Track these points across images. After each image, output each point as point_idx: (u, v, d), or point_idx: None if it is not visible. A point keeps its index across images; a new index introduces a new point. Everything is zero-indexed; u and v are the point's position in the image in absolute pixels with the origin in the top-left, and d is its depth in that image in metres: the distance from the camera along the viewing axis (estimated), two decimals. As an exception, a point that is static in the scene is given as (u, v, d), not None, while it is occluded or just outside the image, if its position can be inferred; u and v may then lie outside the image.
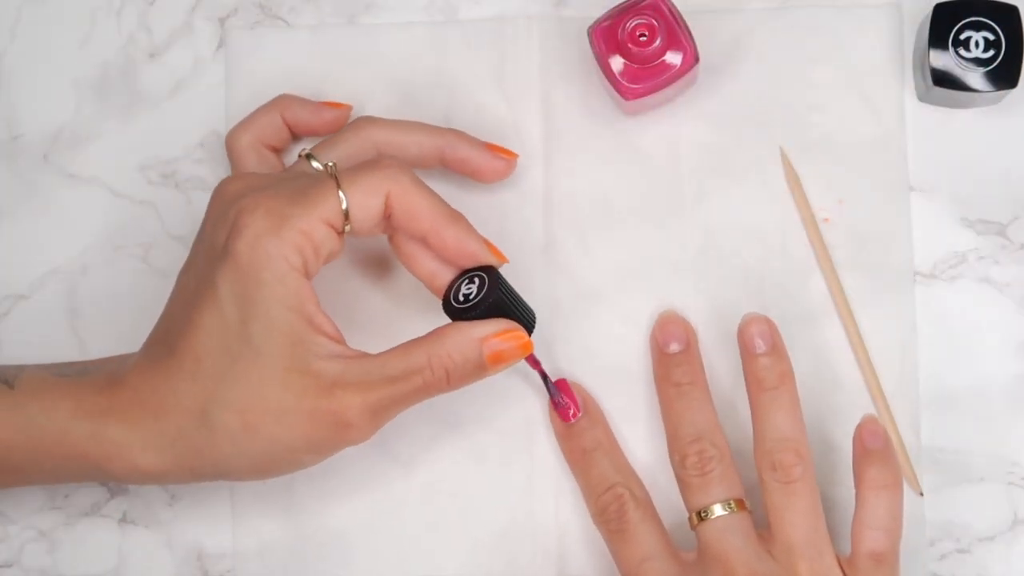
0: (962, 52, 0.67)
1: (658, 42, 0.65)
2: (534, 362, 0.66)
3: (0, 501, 0.71)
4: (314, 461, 0.63)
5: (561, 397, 0.68)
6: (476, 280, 0.64)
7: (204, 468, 0.62)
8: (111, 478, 0.63)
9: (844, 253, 0.69)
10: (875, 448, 0.64)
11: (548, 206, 0.71)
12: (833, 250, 0.70)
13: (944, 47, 0.67)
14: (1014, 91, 0.67)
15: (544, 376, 0.67)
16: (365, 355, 0.62)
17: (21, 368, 0.64)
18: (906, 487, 0.68)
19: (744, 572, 0.62)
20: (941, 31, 0.67)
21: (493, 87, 0.71)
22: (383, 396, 0.61)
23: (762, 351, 0.65)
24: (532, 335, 0.64)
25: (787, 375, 0.65)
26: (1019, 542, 0.68)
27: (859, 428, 0.64)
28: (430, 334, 0.62)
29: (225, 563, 0.70)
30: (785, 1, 0.71)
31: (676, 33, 0.66)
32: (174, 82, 0.72)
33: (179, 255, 0.71)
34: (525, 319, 0.64)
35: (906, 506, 0.68)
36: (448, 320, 0.63)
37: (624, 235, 0.70)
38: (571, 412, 0.68)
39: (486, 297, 0.63)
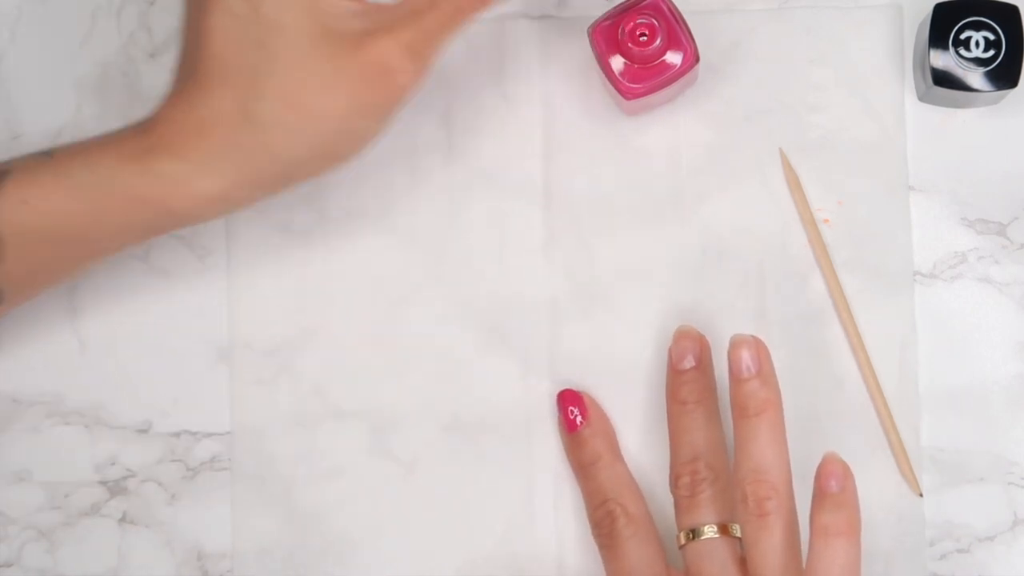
0: (962, 52, 0.67)
1: (658, 42, 0.65)
2: None
3: (0, 501, 0.71)
4: (375, 127, 0.61)
5: (567, 409, 0.68)
6: None
7: (265, 171, 0.60)
8: (179, 218, 0.61)
9: (844, 253, 0.70)
10: (831, 491, 0.61)
11: (548, 206, 0.71)
12: (833, 250, 0.70)
13: (944, 47, 0.67)
14: (1014, 91, 0.67)
15: None
16: (384, 3, 0.60)
17: (57, 144, 0.62)
18: (906, 487, 0.68)
19: None
20: (941, 31, 0.67)
21: (493, 87, 0.71)
22: (416, 31, 0.59)
23: (749, 375, 0.63)
24: None
25: (772, 402, 0.63)
26: (1019, 542, 0.68)
27: (819, 467, 0.62)
28: None
29: (225, 563, 0.70)
30: (785, 1, 0.71)
31: (676, 33, 0.66)
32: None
33: (179, 255, 0.71)
34: None
35: (906, 506, 0.68)
36: None
37: (624, 235, 0.70)
38: (575, 422, 0.68)
39: None
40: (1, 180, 0.60)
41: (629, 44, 0.65)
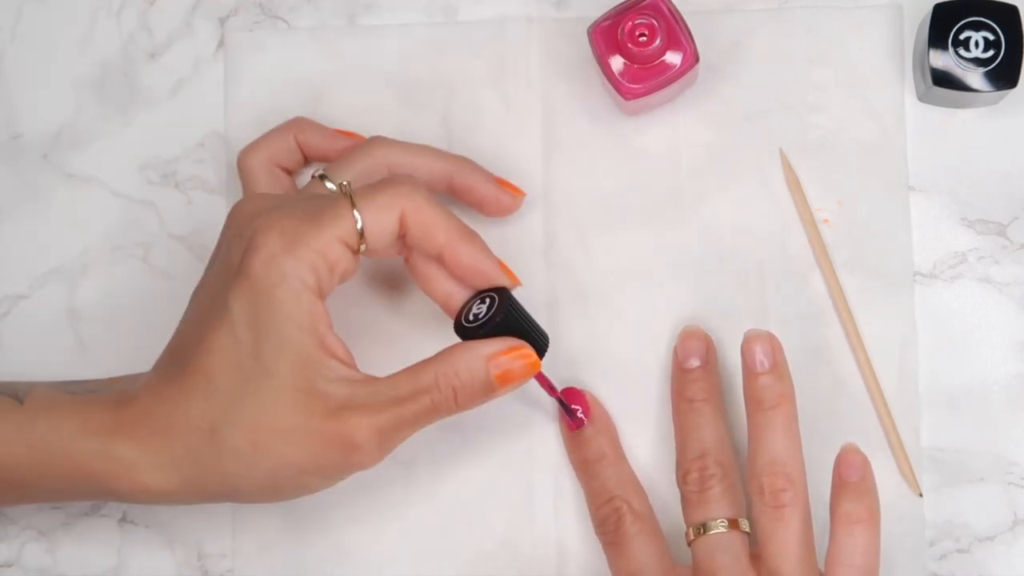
0: (962, 52, 0.67)
1: (658, 42, 0.65)
2: (546, 384, 0.66)
3: (0, 501, 0.71)
4: (322, 485, 0.62)
5: (572, 411, 0.68)
6: (487, 300, 0.63)
7: (211, 488, 0.61)
8: (116, 497, 0.62)
9: (844, 253, 0.69)
10: (851, 480, 0.63)
11: (548, 206, 0.71)
12: (833, 250, 0.70)
13: (944, 47, 0.67)
14: (1014, 91, 0.67)
15: (558, 398, 0.68)
16: (374, 379, 0.61)
17: (32, 385, 0.64)
18: (906, 487, 0.68)
19: None
20: (941, 31, 0.67)
21: (493, 87, 0.71)
22: (391, 418, 0.60)
23: (763, 370, 0.64)
24: (544, 358, 0.63)
25: (786, 396, 0.64)
26: (1019, 542, 0.68)
27: (838, 457, 0.64)
28: (438, 354, 0.62)
29: (225, 563, 0.70)
30: (785, 1, 0.71)
31: (676, 33, 0.66)
32: (174, 82, 0.72)
33: (179, 255, 0.71)
34: (536, 341, 0.63)
35: (906, 506, 0.68)
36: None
37: (624, 235, 0.70)
38: (579, 420, 0.68)
39: (494, 316, 0.62)
40: None
41: (629, 44, 0.65)
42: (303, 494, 0.62)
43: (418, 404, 0.61)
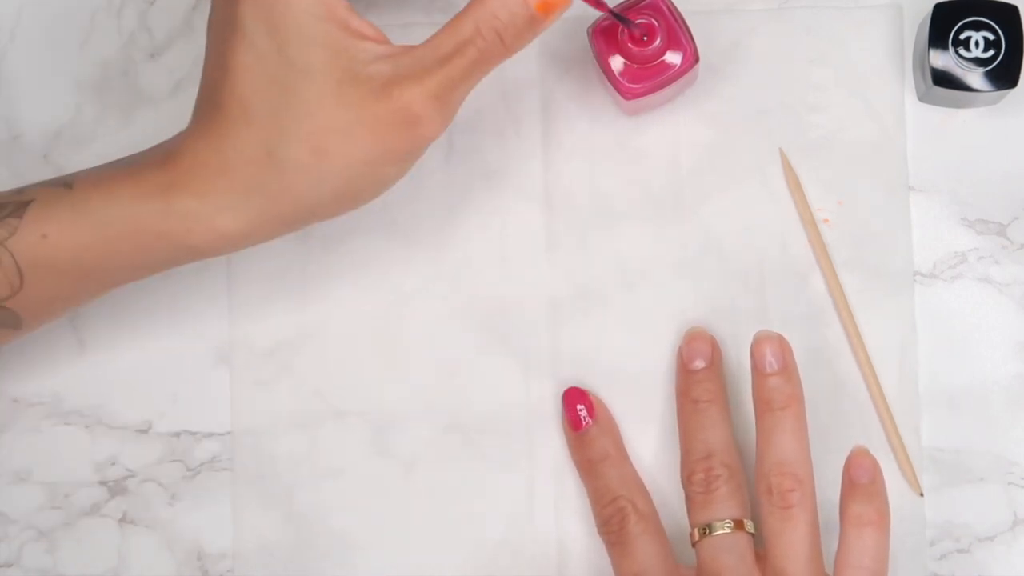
0: (962, 52, 0.67)
1: (658, 42, 0.65)
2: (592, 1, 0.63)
3: (0, 501, 0.71)
4: (398, 173, 0.60)
5: (576, 409, 0.68)
6: None
7: (287, 212, 0.59)
8: (199, 252, 0.60)
9: (844, 253, 0.69)
10: (861, 482, 0.63)
11: (548, 206, 0.71)
12: (833, 250, 0.70)
13: (944, 47, 0.67)
14: (1014, 91, 0.67)
15: (610, 11, 0.64)
16: (414, 47, 0.59)
17: (76, 172, 0.62)
18: (906, 487, 0.68)
19: None
20: (941, 31, 0.67)
21: (493, 87, 0.71)
22: (442, 80, 0.58)
23: (772, 371, 0.64)
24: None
25: (795, 397, 0.64)
26: (1019, 542, 0.68)
27: (848, 459, 0.63)
28: (472, 2, 0.59)
29: (225, 563, 0.70)
30: (785, 1, 0.71)
31: (676, 33, 0.66)
32: (174, 82, 0.72)
33: (179, 255, 0.71)
34: None
35: (906, 506, 0.68)
36: None
37: (624, 235, 0.70)
38: (583, 420, 0.68)
39: None
40: (22, 211, 0.60)
41: (629, 44, 0.65)
42: (381, 189, 0.61)
43: (465, 57, 0.58)
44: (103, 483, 0.71)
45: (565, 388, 0.69)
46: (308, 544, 0.70)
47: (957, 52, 0.67)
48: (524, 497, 0.70)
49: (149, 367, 0.71)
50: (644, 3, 0.66)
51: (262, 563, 0.70)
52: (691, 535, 0.65)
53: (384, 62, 0.58)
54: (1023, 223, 0.69)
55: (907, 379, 0.69)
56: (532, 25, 0.59)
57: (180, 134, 0.61)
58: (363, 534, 0.70)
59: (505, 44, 0.59)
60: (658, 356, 0.70)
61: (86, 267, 0.60)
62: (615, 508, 0.66)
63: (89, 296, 0.63)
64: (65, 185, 0.60)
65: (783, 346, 0.65)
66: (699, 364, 0.67)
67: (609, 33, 0.66)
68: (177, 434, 0.71)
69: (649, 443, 0.69)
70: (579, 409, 0.68)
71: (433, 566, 0.70)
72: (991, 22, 0.67)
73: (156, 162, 0.60)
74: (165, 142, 0.61)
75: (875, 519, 0.62)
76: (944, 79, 0.67)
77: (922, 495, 0.68)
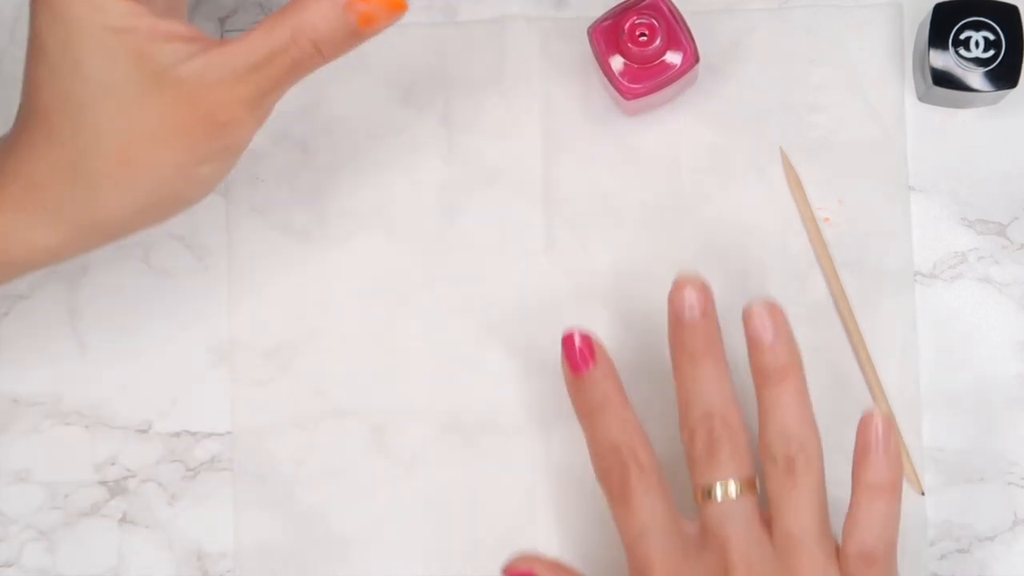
0: (962, 52, 0.67)
1: (658, 42, 0.65)
2: None
3: (0, 501, 0.71)
4: (217, 170, 0.59)
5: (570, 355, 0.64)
6: None
7: (104, 223, 0.58)
8: (19, 268, 0.59)
9: (844, 253, 0.70)
10: (873, 446, 0.62)
11: (548, 206, 0.71)
12: (833, 250, 0.70)
13: (944, 47, 0.67)
14: (1014, 91, 0.67)
15: None
16: (226, 44, 0.56)
17: None
18: (907, 487, 0.68)
19: (740, 557, 0.61)
20: (941, 31, 0.67)
21: (493, 87, 0.71)
22: (252, 87, 0.56)
23: (768, 343, 0.62)
24: None
25: (793, 366, 0.62)
26: (1019, 542, 0.68)
27: (860, 422, 0.62)
28: (293, 3, 0.57)
29: (225, 563, 0.70)
30: (785, 1, 0.71)
31: (676, 33, 0.66)
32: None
33: (179, 255, 0.71)
34: None
35: (906, 506, 0.68)
36: None
37: (624, 235, 0.70)
38: (584, 363, 0.64)
39: None
40: None
41: (629, 44, 0.65)
42: (205, 188, 0.59)
43: (278, 66, 0.56)
44: (103, 483, 0.71)
45: (567, 332, 0.65)
46: (308, 544, 0.70)
47: (957, 52, 0.67)
48: (524, 497, 0.70)
49: (149, 367, 0.71)
50: (644, 3, 0.66)
51: (262, 563, 0.70)
52: (695, 493, 0.63)
53: (194, 61, 0.56)
54: (1023, 223, 0.69)
55: (907, 379, 0.69)
56: (351, 38, 0.57)
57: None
58: (363, 534, 0.70)
59: (322, 54, 0.57)
60: (658, 356, 0.70)
61: None
62: (615, 460, 0.63)
63: None
64: None
65: (775, 314, 0.62)
66: (691, 313, 0.63)
67: (609, 33, 0.66)
68: (177, 434, 0.71)
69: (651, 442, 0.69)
70: (580, 352, 0.64)
71: (433, 566, 0.70)
72: (991, 22, 0.67)
73: None
74: None
75: (887, 485, 0.61)
76: (944, 79, 0.67)
77: (923, 494, 0.69)
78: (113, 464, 0.71)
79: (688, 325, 0.63)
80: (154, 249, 0.71)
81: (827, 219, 0.70)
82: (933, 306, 0.69)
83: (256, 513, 0.70)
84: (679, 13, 0.66)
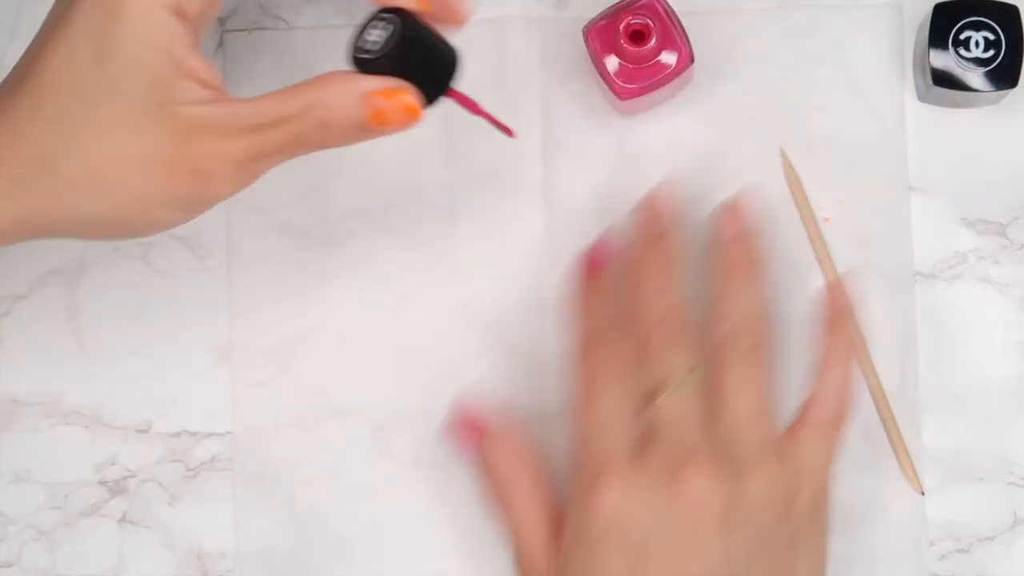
0: (962, 52, 0.67)
1: (653, 42, 0.65)
2: (468, 103, 0.60)
3: (0, 501, 0.71)
4: (171, 219, 0.57)
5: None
6: (384, 24, 0.56)
7: (51, 220, 0.55)
8: None
9: (844, 253, 0.69)
10: (832, 312, 0.64)
11: (548, 206, 0.71)
12: (833, 250, 0.70)
13: (944, 47, 0.67)
14: (1014, 91, 0.67)
15: (484, 115, 0.61)
16: (238, 100, 0.55)
17: None
18: (907, 486, 0.68)
19: (690, 440, 0.60)
20: (941, 31, 0.67)
21: (493, 87, 0.71)
22: (247, 146, 0.55)
23: (730, 237, 0.65)
24: (452, 81, 0.57)
25: (754, 262, 0.64)
26: (1019, 542, 0.68)
27: (818, 295, 0.64)
28: (314, 79, 0.56)
29: (225, 563, 0.70)
30: (784, 1, 0.71)
31: (671, 33, 0.66)
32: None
33: (179, 255, 0.71)
34: (437, 70, 0.57)
35: (906, 506, 0.68)
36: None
37: (624, 235, 0.70)
38: (599, 265, 0.66)
39: (387, 45, 0.55)
40: None
41: (624, 44, 0.65)
42: (156, 230, 0.57)
43: (280, 133, 0.55)
44: (103, 483, 0.71)
45: (590, 246, 0.66)
46: (308, 544, 0.70)
47: (957, 52, 0.67)
48: (524, 497, 0.70)
49: (149, 367, 0.71)
50: (639, 3, 0.66)
51: (262, 563, 0.70)
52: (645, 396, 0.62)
53: (202, 107, 0.55)
54: (1023, 223, 0.69)
55: (908, 379, 0.69)
56: (359, 130, 0.56)
57: None
58: (363, 534, 0.70)
59: (324, 137, 0.56)
60: (657, 356, 0.70)
61: None
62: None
63: None
64: None
65: (737, 211, 0.65)
66: (654, 236, 0.65)
67: (605, 33, 0.66)
68: (177, 434, 0.71)
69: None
70: (596, 257, 0.66)
71: (433, 566, 0.70)
72: (991, 22, 0.66)
73: None
74: None
75: (842, 348, 0.63)
76: (944, 79, 0.67)
77: (923, 494, 0.68)
78: (113, 464, 0.71)
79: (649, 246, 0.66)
80: (154, 249, 0.72)
81: (827, 219, 0.70)
82: (933, 306, 0.69)
83: (256, 513, 0.70)
84: (674, 13, 0.66)
